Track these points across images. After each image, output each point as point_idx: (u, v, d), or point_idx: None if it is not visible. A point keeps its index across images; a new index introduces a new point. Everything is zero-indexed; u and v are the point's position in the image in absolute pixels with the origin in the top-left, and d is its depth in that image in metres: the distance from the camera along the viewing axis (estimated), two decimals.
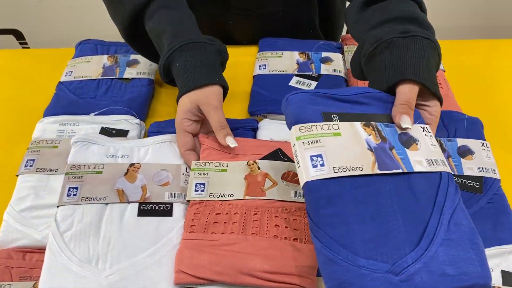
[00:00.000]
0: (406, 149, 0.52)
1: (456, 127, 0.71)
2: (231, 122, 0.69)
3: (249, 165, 0.64)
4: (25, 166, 0.68)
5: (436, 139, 0.55)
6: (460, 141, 0.69)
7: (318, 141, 0.50)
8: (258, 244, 0.55)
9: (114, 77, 0.83)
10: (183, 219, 0.60)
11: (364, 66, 0.64)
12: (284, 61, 0.86)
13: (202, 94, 0.65)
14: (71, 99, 0.79)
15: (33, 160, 0.69)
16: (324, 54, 0.87)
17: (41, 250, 0.61)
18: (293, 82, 0.82)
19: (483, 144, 0.69)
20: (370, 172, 0.49)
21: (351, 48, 0.90)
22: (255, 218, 0.58)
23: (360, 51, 0.64)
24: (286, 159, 0.65)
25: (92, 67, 0.85)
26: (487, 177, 0.65)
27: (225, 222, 0.58)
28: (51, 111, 0.77)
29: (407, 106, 0.54)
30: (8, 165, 0.72)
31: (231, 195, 0.60)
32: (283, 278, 0.52)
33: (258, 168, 0.63)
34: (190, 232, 0.57)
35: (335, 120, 0.52)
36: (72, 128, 0.74)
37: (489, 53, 0.96)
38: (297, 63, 0.85)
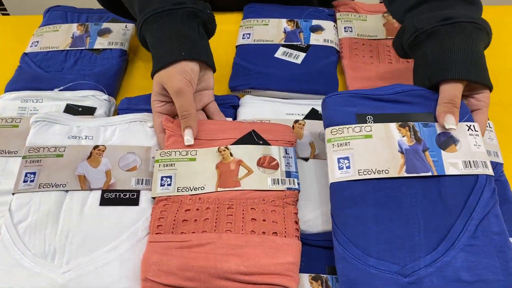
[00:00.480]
0: (442, 150, 0.51)
1: None
2: None
3: (220, 151, 0.57)
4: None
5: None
6: None
7: (348, 144, 0.52)
8: (233, 243, 0.50)
9: (83, 48, 0.76)
10: (151, 209, 0.54)
11: (409, 53, 0.61)
12: (270, 29, 0.78)
13: (165, 75, 0.58)
14: (35, 73, 0.73)
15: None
16: (315, 22, 0.79)
17: None
18: (279, 54, 0.75)
19: None
20: (396, 175, 0.50)
21: (344, 16, 0.82)
22: (229, 212, 0.52)
23: (401, 37, 0.61)
24: (261, 142, 0.58)
25: (60, 37, 0.78)
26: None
27: (195, 220, 0.52)
28: (12, 86, 0.70)
29: (451, 104, 0.53)
30: None
31: (202, 188, 0.54)
32: (262, 279, 0.47)
33: (231, 154, 0.57)
34: (156, 233, 0.51)
35: (369, 122, 0.54)
36: (34, 105, 0.68)
37: (499, 19, 0.87)
38: (285, 32, 0.78)
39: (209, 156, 0.57)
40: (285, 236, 0.51)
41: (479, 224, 0.47)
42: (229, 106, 0.68)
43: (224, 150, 0.57)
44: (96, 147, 0.59)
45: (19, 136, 0.63)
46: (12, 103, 0.68)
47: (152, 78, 0.60)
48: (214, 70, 0.64)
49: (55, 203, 0.54)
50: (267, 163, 0.56)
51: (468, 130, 0.53)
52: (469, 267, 0.45)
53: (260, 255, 0.48)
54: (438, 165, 0.50)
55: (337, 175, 0.51)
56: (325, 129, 0.55)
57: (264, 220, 0.52)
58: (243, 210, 0.53)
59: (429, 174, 0.49)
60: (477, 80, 0.53)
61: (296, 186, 0.55)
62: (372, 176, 0.50)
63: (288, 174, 0.56)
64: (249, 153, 0.57)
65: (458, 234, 0.46)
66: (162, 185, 0.54)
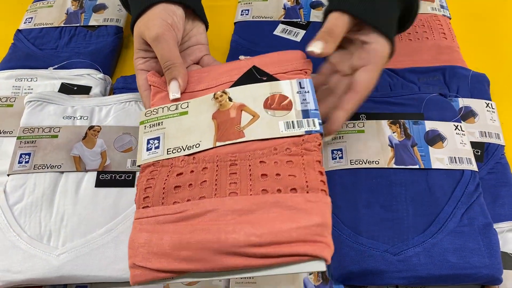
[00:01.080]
0: (430, 146, 0.55)
1: (458, 84, 0.63)
2: None
3: (217, 97, 0.47)
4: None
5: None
6: (463, 101, 0.61)
7: (341, 137, 0.56)
8: (240, 208, 0.39)
9: (78, 24, 0.74)
10: None
11: None
12: (269, 5, 0.76)
13: (143, 23, 0.50)
14: (29, 51, 0.71)
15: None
16: None
17: None
18: (278, 31, 0.73)
19: (488, 104, 0.61)
20: (386, 166, 0.54)
21: None
22: (232, 170, 0.42)
23: None
24: (265, 78, 0.47)
25: (54, 13, 0.76)
26: (489, 143, 0.58)
27: (190, 184, 0.42)
28: (6, 65, 0.69)
29: (326, 33, 0.45)
30: None
31: (197, 146, 0.44)
32: (281, 250, 0.36)
33: (230, 99, 0.46)
34: (143, 207, 0.41)
35: (362, 119, 0.57)
36: (29, 84, 0.66)
37: None
38: (284, 8, 0.76)
39: (204, 106, 0.47)
40: (307, 192, 0.39)
41: (465, 212, 0.50)
42: None
43: (221, 96, 0.47)
44: (91, 127, 0.58)
45: (14, 116, 0.62)
46: (6, 82, 0.66)
47: (132, 32, 0.53)
48: (205, 24, 0.56)
49: (50, 184, 0.53)
50: (276, 103, 0.45)
51: (455, 129, 0.56)
52: (455, 249, 0.47)
53: (276, 219, 0.38)
54: (425, 159, 0.54)
55: (330, 164, 0.55)
56: None
57: (278, 174, 0.41)
58: (249, 166, 0.42)
59: (416, 167, 0.53)
60: (364, 18, 0.45)
61: (318, 128, 0.43)
62: (364, 166, 0.54)
63: (306, 113, 0.44)
64: (252, 94, 0.46)
65: (446, 220, 0.49)
66: (148, 149, 0.45)
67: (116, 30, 0.74)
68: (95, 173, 0.54)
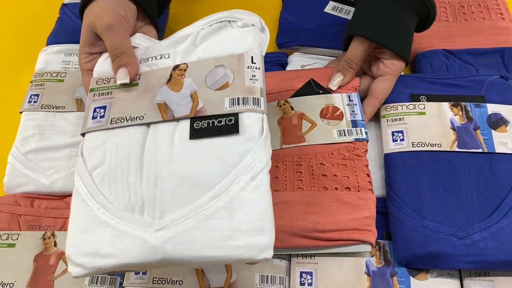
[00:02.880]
0: (492, 130, 0.54)
1: None
2: None
3: (280, 105, 0.54)
4: (29, 102, 0.61)
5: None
6: None
7: (402, 119, 0.55)
8: (306, 200, 0.49)
9: None
10: (259, 134, 0.40)
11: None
12: None
13: (93, 12, 0.47)
14: (76, 25, 0.70)
15: (37, 95, 0.62)
16: None
17: (49, 196, 0.56)
18: (329, 8, 0.71)
19: None
20: (448, 149, 0.53)
21: None
22: (297, 169, 0.51)
23: None
24: (321, 91, 0.55)
25: None
26: None
27: None
28: (54, 39, 0.68)
29: (347, 63, 0.55)
30: (9, 101, 0.65)
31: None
32: (339, 235, 0.47)
33: (292, 108, 0.54)
34: None
35: (422, 101, 0.56)
36: None
37: None
38: None
39: (272, 111, 0.54)
40: (358, 191, 0.49)
41: None
42: (277, 64, 0.66)
43: (284, 104, 0.55)
44: (176, 67, 0.45)
45: (65, 91, 0.62)
46: (55, 57, 0.66)
47: (81, 20, 0.49)
48: (156, 28, 0.53)
49: (136, 141, 0.42)
50: (330, 113, 0.54)
51: None
52: None
53: (336, 211, 0.48)
54: (488, 143, 0.53)
55: (391, 146, 0.54)
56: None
57: (335, 175, 0.50)
58: (311, 166, 0.51)
59: (480, 150, 0.52)
60: (378, 42, 0.52)
61: (364, 136, 0.52)
62: (425, 148, 0.53)
63: (354, 123, 0.53)
64: (310, 105, 0.54)
65: (511, 206, 0.48)
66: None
67: None
68: (188, 121, 0.42)
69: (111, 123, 0.43)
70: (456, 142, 0.53)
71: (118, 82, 0.44)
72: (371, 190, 0.50)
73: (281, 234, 0.46)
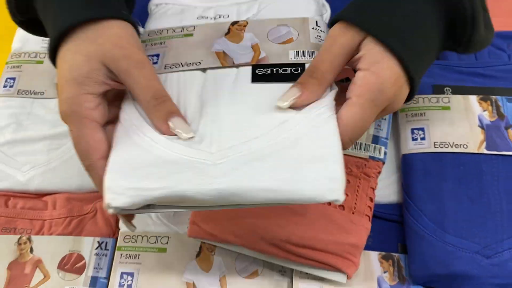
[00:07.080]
0: None
1: None
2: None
3: None
4: (4, 86, 0.56)
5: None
6: None
7: (423, 114, 0.49)
8: (293, 207, 0.44)
9: None
10: None
11: None
12: None
13: (107, 38, 0.35)
14: None
15: (13, 79, 0.56)
16: None
17: (26, 195, 0.50)
18: None
19: None
20: (475, 151, 0.47)
21: None
22: None
23: None
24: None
25: None
26: None
27: None
28: None
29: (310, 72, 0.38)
30: None
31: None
32: (315, 255, 0.42)
33: None
34: None
35: (447, 93, 0.50)
36: None
37: None
38: None
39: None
40: (353, 213, 0.45)
41: None
42: None
43: None
44: (235, 22, 0.42)
45: (45, 74, 0.56)
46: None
47: (53, 53, 0.36)
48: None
49: (192, 82, 0.39)
50: None
51: None
52: None
53: (319, 228, 0.43)
54: None
55: (410, 146, 0.48)
56: None
57: None
58: None
59: (511, 153, 0.47)
60: (349, 19, 0.36)
61: (382, 157, 0.47)
62: (449, 150, 0.47)
63: (376, 139, 0.48)
64: None
65: None
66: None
67: None
68: (250, 68, 0.39)
69: (164, 68, 0.40)
70: (485, 143, 0.47)
71: (184, 138, 0.35)
72: (368, 217, 0.45)
73: (251, 234, 0.43)
